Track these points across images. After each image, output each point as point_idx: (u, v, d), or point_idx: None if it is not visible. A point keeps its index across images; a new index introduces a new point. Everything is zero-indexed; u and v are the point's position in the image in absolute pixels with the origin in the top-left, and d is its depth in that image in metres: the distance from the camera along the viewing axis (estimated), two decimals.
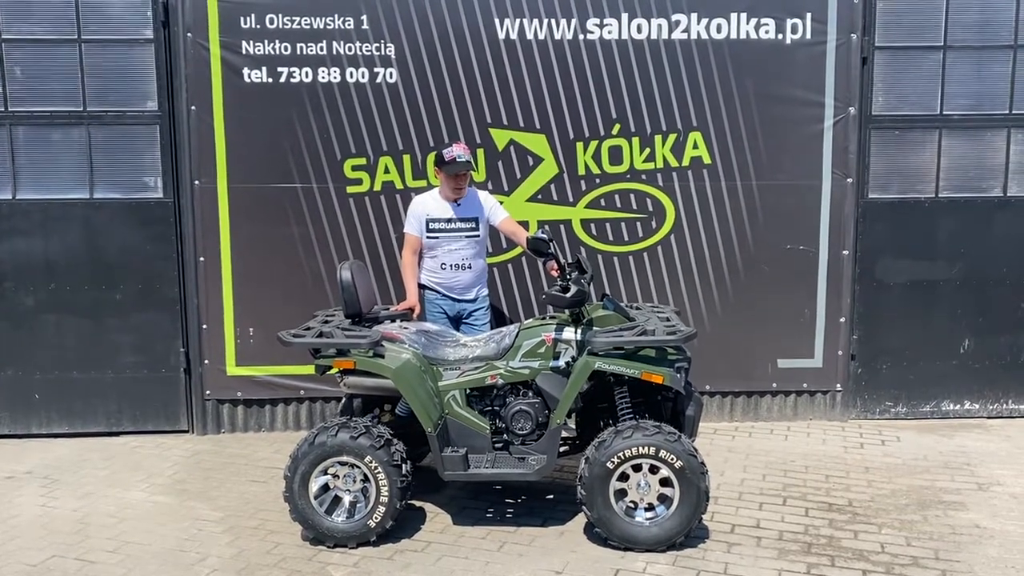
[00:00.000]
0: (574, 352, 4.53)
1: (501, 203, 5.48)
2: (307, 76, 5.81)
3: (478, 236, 5.33)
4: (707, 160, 5.99)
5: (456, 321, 5.38)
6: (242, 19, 5.74)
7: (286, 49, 5.78)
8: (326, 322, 4.82)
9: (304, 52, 5.78)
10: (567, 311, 4.60)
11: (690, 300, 6.11)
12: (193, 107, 5.80)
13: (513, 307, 6.10)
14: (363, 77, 5.85)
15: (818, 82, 5.93)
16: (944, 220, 6.13)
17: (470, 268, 5.33)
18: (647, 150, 5.97)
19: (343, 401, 5.06)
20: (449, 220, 5.26)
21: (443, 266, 5.31)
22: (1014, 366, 6.26)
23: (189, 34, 5.74)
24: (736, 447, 5.79)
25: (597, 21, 5.85)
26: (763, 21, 5.86)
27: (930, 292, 6.18)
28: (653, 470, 4.24)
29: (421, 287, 5.37)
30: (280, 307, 5.88)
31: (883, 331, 6.19)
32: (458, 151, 5.17)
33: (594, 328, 4.48)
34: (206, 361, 6.03)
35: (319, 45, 5.79)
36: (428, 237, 5.28)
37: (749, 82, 5.92)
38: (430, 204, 5.29)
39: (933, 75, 6.02)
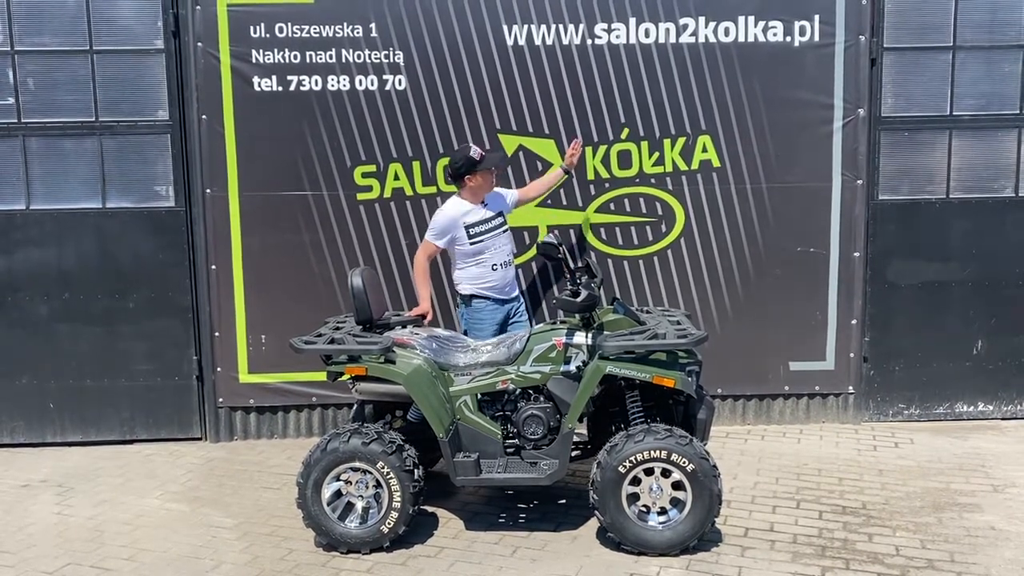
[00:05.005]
0: (585, 356, 4.53)
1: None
2: (316, 84, 5.84)
3: (508, 229, 5.37)
4: (716, 163, 5.99)
5: (503, 325, 5.32)
6: (252, 28, 5.77)
7: (295, 57, 5.81)
8: (337, 328, 4.83)
9: (313, 60, 5.81)
10: (577, 315, 4.61)
11: (701, 303, 6.10)
12: (204, 116, 5.83)
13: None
14: (372, 84, 5.87)
15: (827, 84, 5.92)
16: (955, 221, 6.10)
17: (512, 263, 5.38)
18: (656, 154, 5.97)
19: (355, 407, 5.06)
20: (486, 220, 5.23)
21: (494, 267, 5.25)
22: None
23: (199, 43, 5.77)
24: (749, 450, 5.78)
25: (605, 26, 5.86)
26: (771, 24, 5.86)
27: (942, 293, 6.16)
28: (665, 474, 4.24)
29: (470, 297, 5.28)
30: (292, 314, 5.90)
31: (895, 333, 6.17)
32: (482, 149, 5.22)
33: (605, 332, 4.47)
34: (218, 369, 6.06)
35: (328, 53, 5.81)
36: (472, 243, 5.17)
37: (757, 85, 5.91)
38: (465, 211, 5.19)
39: (942, 76, 6.00)
